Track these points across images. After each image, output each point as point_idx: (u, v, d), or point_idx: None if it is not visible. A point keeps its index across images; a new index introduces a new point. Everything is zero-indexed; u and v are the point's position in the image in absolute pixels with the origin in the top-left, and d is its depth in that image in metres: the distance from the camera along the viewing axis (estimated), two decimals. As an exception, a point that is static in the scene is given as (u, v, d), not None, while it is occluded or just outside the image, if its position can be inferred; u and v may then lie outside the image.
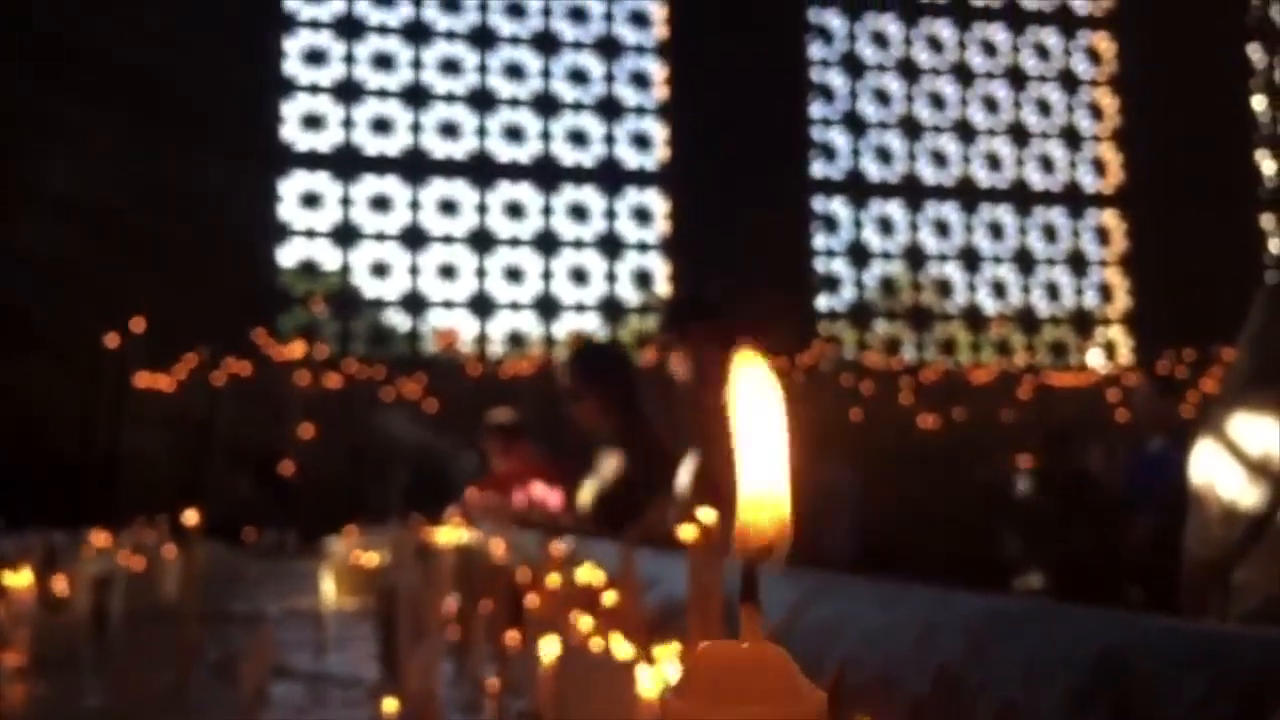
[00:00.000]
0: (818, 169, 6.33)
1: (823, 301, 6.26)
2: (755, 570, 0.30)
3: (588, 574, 1.33)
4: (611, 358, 2.94)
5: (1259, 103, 7.07)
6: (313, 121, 5.74)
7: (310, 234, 5.69)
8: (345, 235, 5.73)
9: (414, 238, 5.79)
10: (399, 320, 5.87)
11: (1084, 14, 6.92)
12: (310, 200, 5.70)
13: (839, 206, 6.35)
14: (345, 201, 5.74)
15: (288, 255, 5.68)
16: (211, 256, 5.21)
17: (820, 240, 6.28)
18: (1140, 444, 4.19)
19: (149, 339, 4.77)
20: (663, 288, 6.08)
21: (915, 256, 6.46)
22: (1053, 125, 6.78)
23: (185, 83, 5.35)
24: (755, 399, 0.30)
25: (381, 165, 5.81)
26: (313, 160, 5.72)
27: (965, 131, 6.61)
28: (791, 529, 0.31)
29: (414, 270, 5.78)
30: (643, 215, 6.10)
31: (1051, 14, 6.86)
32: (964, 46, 6.68)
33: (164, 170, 5.24)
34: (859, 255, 6.34)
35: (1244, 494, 1.40)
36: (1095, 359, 6.67)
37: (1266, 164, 7.03)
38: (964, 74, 6.66)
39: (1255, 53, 7.10)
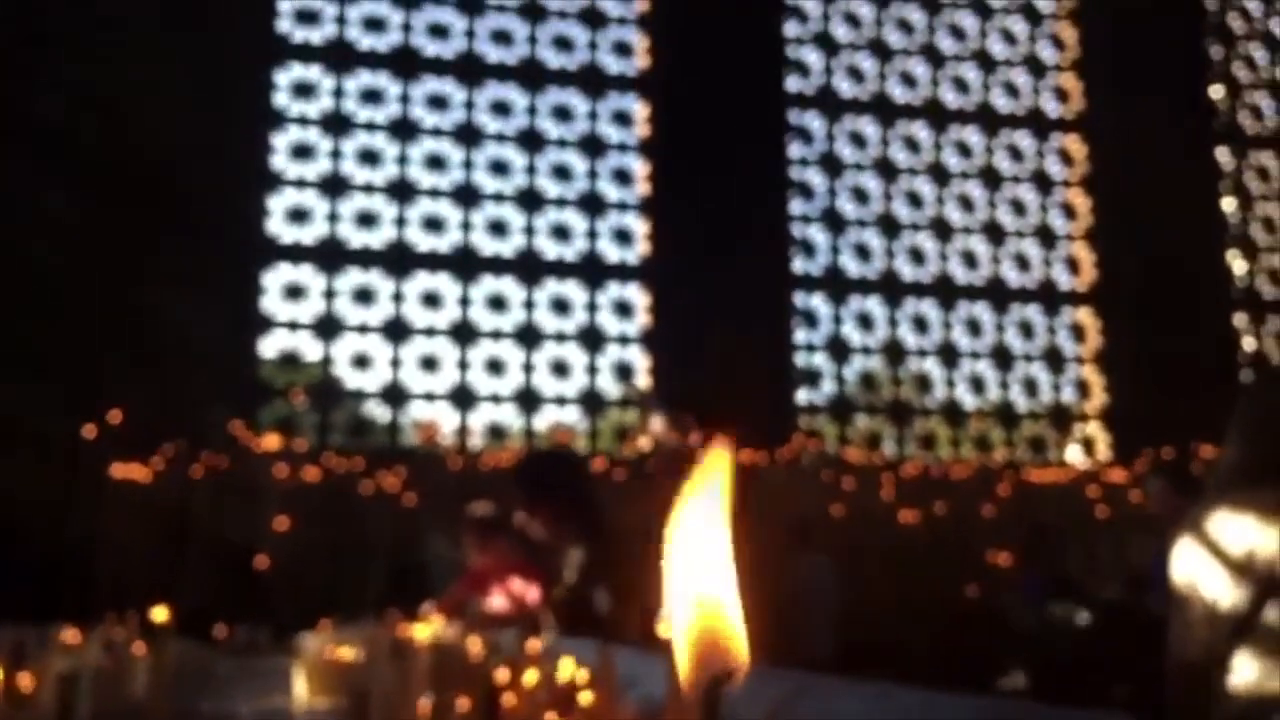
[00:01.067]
0: (798, 265, 6.40)
1: (803, 396, 6.29)
2: (717, 694, 0.29)
3: (566, 672, 1.32)
4: (557, 466, 2.89)
5: (1228, 204, 7.22)
6: (298, 215, 5.80)
7: (293, 326, 5.70)
8: (327, 327, 5.74)
9: (396, 330, 5.81)
10: (379, 412, 5.86)
11: (1055, 117, 7.10)
12: (294, 292, 5.72)
13: (819, 302, 6.42)
14: (329, 294, 5.77)
15: (269, 347, 5.69)
16: (193, 348, 5.21)
17: (801, 335, 6.33)
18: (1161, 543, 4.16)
19: (127, 430, 4.73)
20: (643, 381, 6.10)
21: (895, 352, 6.52)
22: (1027, 224, 6.90)
23: (171, 173, 5.39)
24: (703, 515, 0.30)
25: (366, 258, 5.85)
26: (297, 253, 5.76)
27: (942, 230, 6.72)
28: (750, 643, 0.30)
29: (395, 362, 5.79)
30: (624, 309, 6.15)
31: (1024, 117, 7.03)
32: (939, 147, 6.83)
33: (145, 259, 5.25)
34: (839, 350, 6.38)
35: (1226, 594, 1.39)
36: (1074, 455, 6.69)
37: (1237, 264, 7.16)
38: (940, 174, 6.80)
39: (1224, 155, 7.27)
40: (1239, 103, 7.41)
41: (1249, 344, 7.08)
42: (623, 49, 6.44)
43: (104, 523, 4.76)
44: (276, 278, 5.71)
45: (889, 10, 6.89)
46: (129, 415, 4.88)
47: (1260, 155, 7.42)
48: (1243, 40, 7.50)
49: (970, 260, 6.75)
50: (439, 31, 6.18)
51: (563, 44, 6.35)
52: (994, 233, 6.81)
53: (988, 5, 7.09)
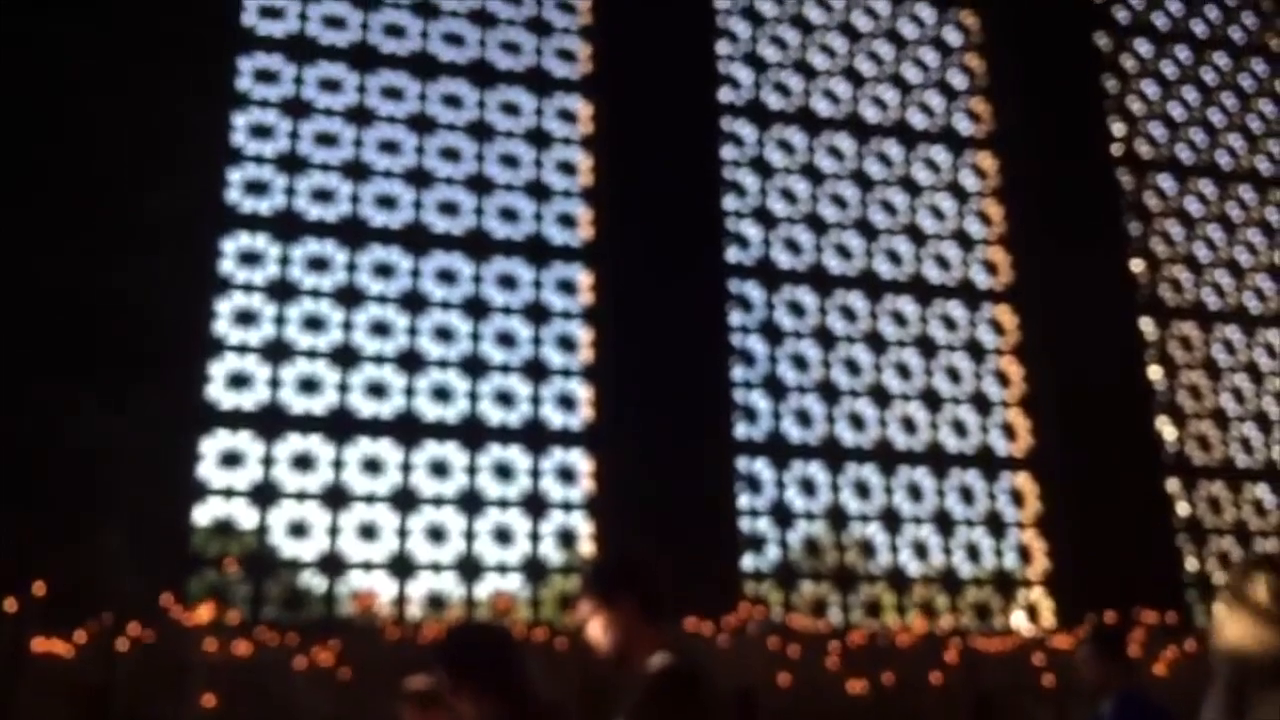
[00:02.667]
0: (741, 430, 6.45)
1: (748, 562, 6.24)
2: None
3: None
4: (482, 642, 2.74)
5: (1155, 372, 7.45)
6: (239, 380, 5.75)
7: (228, 493, 5.59)
8: (264, 494, 5.63)
9: (335, 497, 5.71)
10: (315, 582, 5.70)
11: (985, 288, 7.34)
12: (230, 459, 5.63)
13: (762, 467, 6.45)
14: (267, 460, 5.68)
15: (202, 514, 5.55)
16: (125, 517, 5.07)
17: (745, 500, 6.32)
18: (1093, 710, 4.13)
19: (50, 603, 4.55)
20: (587, 548, 6.03)
21: (838, 517, 6.53)
22: (963, 391, 7.04)
23: (107, 334, 5.36)
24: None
25: (306, 424, 5.79)
26: (237, 419, 5.70)
27: (881, 396, 6.84)
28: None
29: (333, 530, 5.67)
30: (567, 475, 6.12)
31: (955, 288, 7.25)
32: (875, 316, 7.01)
33: (76, 426, 5.16)
34: (783, 516, 6.38)
35: None
36: (1019, 621, 6.67)
37: (1167, 430, 7.34)
38: (877, 342, 6.95)
39: (1148, 326, 7.54)
40: (1159, 276, 7.73)
41: (1182, 509, 7.20)
42: (567, 220, 6.60)
43: (23, 700, 4.52)
44: (214, 444, 5.63)
45: (823, 187, 7.17)
46: (52, 587, 4.71)
47: (1182, 326, 7.70)
48: (1159, 217, 7.88)
49: (909, 426, 6.85)
50: (386, 202, 6.30)
51: (508, 214, 6.50)
52: (931, 399, 6.94)
53: (916, 183, 7.40)
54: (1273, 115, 8.48)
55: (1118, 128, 7.96)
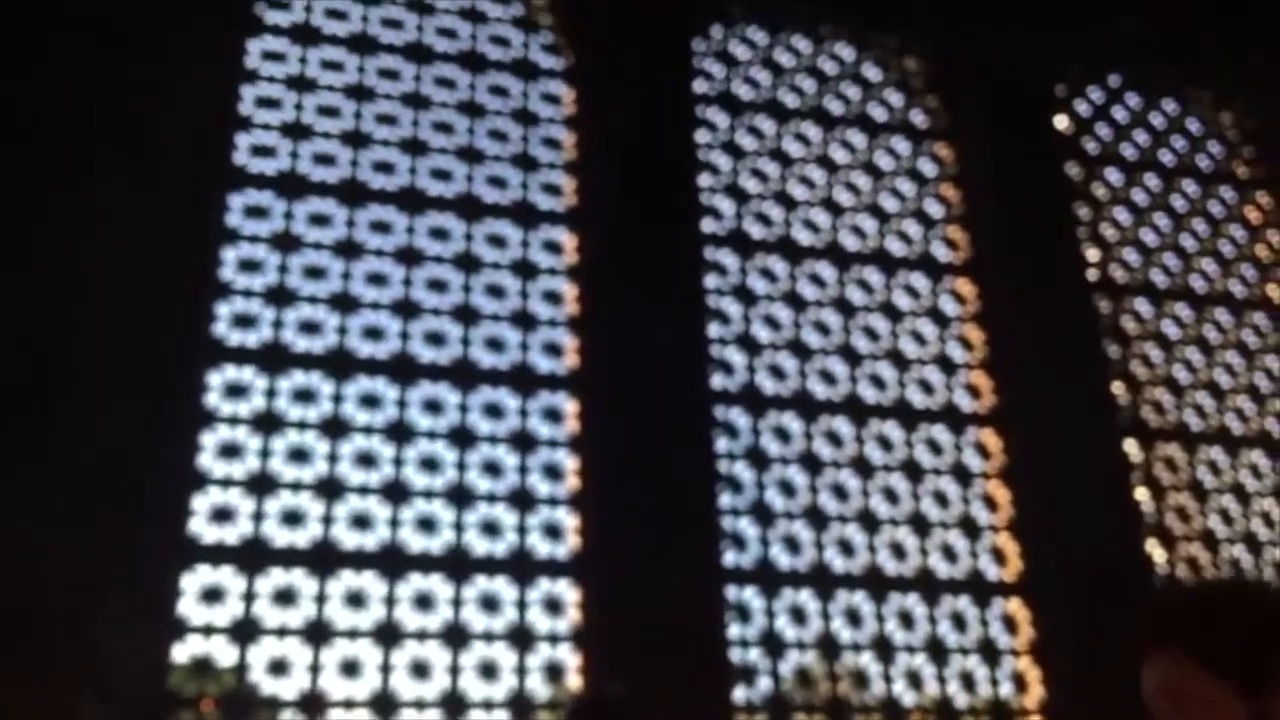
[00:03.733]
0: (729, 558, 6.39)
1: (740, 694, 6.11)
2: None
3: None
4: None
5: (1142, 494, 7.45)
6: (222, 515, 5.69)
7: (208, 630, 5.47)
8: (245, 631, 5.52)
9: (317, 633, 5.60)
10: (295, 721, 5.55)
11: (969, 411, 7.38)
12: (211, 595, 5.53)
13: (751, 595, 6.37)
14: (248, 596, 5.58)
15: (181, 652, 5.43)
16: (99, 656, 4.95)
17: (734, 630, 6.22)
18: None
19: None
20: (574, 681, 5.90)
21: (830, 647, 6.42)
22: (951, 515, 7.01)
23: (86, 470, 5.33)
24: None
25: (289, 558, 5.72)
26: (218, 554, 5.62)
27: (869, 522, 6.80)
28: None
29: (315, 667, 5.54)
30: (554, 606, 6.02)
31: (939, 412, 7.29)
32: (861, 441, 7.02)
33: (54, 559, 5.08)
34: (773, 646, 6.27)
35: None
36: (1018, 752, 6.51)
37: (1157, 553, 7.30)
38: (863, 467, 6.95)
39: (1132, 448, 7.57)
40: (1140, 398, 7.79)
41: (1178, 633, 7.10)
42: (553, 348, 6.65)
43: None
44: (194, 580, 5.53)
45: (806, 313, 7.26)
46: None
47: (1166, 447, 7.73)
48: (1137, 340, 7.98)
49: (899, 552, 6.79)
50: (373, 333, 6.34)
51: (494, 344, 6.55)
52: (920, 524, 6.91)
53: (897, 309, 7.50)
54: (1243, 240, 8.68)
55: (1092, 253, 8.13)
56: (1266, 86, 8.88)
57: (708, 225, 7.26)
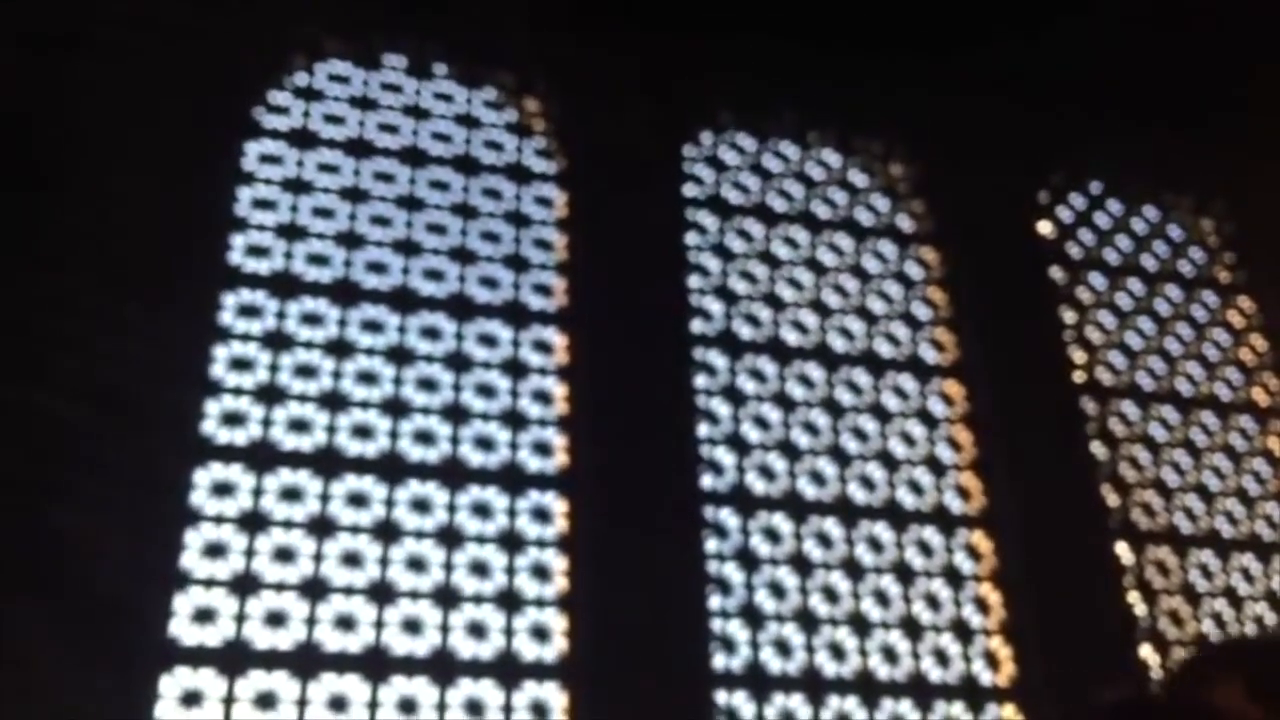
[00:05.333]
0: (719, 661, 6.30)
1: (729, 804, 5.96)
2: None
3: None
4: None
5: (1134, 597, 7.39)
6: (204, 615, 5.61)
7: (186, 734, 5.35)
8: (224, 735, 5.40)
9: (298, 738, 5.48)
10: (274, 832, 5.39)
11: (959, 513, 7.36)
12: (190, 699, 5.42)
13: (741, 701, 6.26)
14: (228, 700, 5.47)
15: (159, 758, 5.30)
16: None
17: (724, 737, 6.11)
18: None
19: None
20: (561, 791, 5.77)
21: (821, 754, 6.29)
22: (943, 619, 6.94)
23: (66, 572, 5.27)
24: None
25: (271, 661, 5.62)
26: (199, 657, 5.52)
27: (860, 625, 6.72)
28: None
29: (295, 774, 5.41)
30: (540, 711, 5.91)
31: (929, 513, 7.27)
32: (851, 543, 6.98)
33: (33, 664, 4.99)
34: (764, 753, 6.15)
35: None
36: None
37: (1151, 658, 7.22)
38: (854, 569, 6.90)
39: (1124, 550, 7.53)
40: (1130, 500, 7.79)
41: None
42: (542, 448, 6.65)
43: None
44: (174, 683, 5.43)
45: (795, 414, 7.28)
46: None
47: (1158, 551, 7.70)
48: (1125, 443, 8.01)
49: (890, 656, 6.70)
50: (362, 431, 6.33)
51: (484, 443, 6.54)
52: (911, 627, 6.83)
53: (886, 410, 7.53)
54: (1227, 343, 8.76)
55: (1079, 356, 8.20)
56: (1244, 192, 9.06)
57: (697, 326, 7.33)
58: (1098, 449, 7.86)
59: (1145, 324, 8.61)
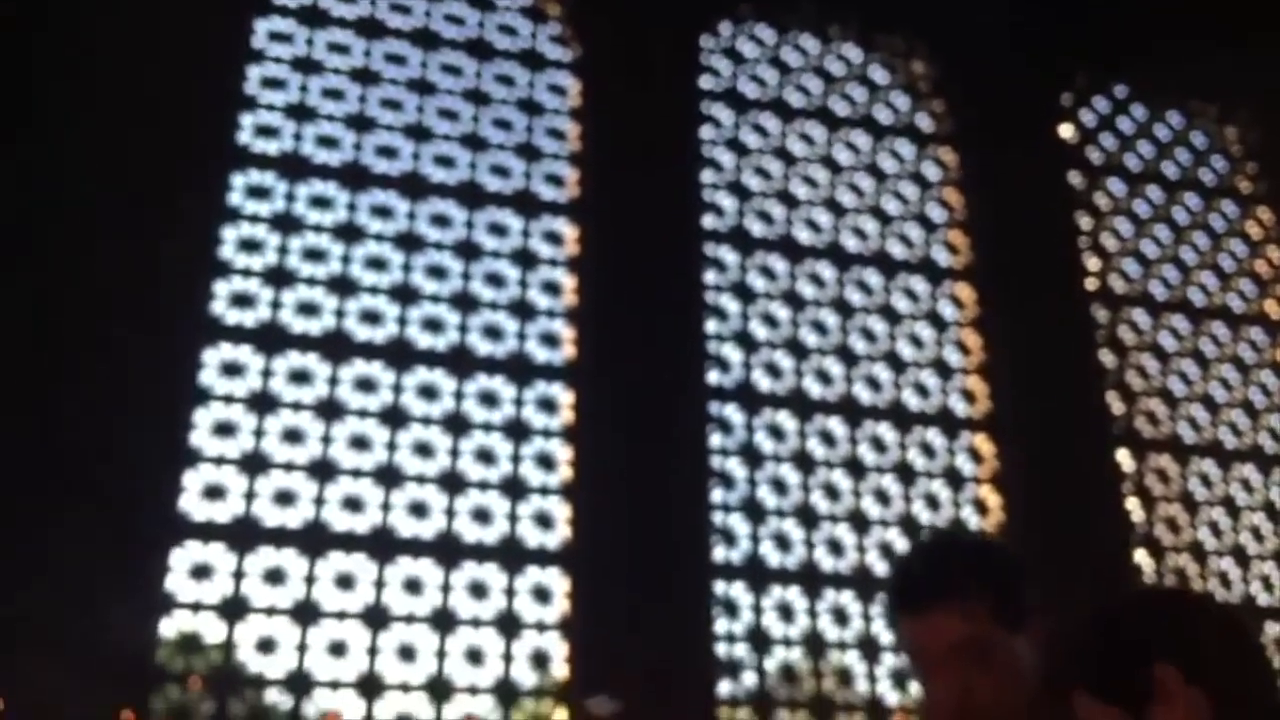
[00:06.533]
0: (719, 554, 6.40)
1: (724, 688, 6.13)
2: None
3: None
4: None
5: (1133, 504, 7.46)
6: (214, 492, 5.70)
7: (196, 607, 5.49)
8: (233, 609, 5.53)
9: (306, 613, 5.62)
10: (281, 700, 5.56)
11: (964, 416, 7.39)
12: (201, 572, 5.55)
13: (740, 592, 6.38)
14: (237, 574, 5.60)
15: (169, 628, 5.45)
16: (85, 630, 4.96)
17: (721, 625, 6.24)
18: None
19: (8, 716, 4.42)
20: (560, 670, 5.92)
21: (816, 644, 6.43)
22: (941, 519, 7.03)
23: (78, 446, 5.34)
24: None
25: (280, 538, 5.73)
26: (209, 531, 5.63)
27: (860, 522, 6.81)
28: None
29: (302, 647, 5.55)
30: (542, 595, 6.04)
31: (933, 416, 7.30)
32: (855, 442, 7.03)
33: (44, 538, 5.09)
34: (760, 641, 6.29)
35: None
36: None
37: (1145, 563, 7.32)
38: (856, 468, 6.96)
39: (1125, 458, 7.58)
40: (1134, 409, 7.81)
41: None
42: (550, 339, 6.66)
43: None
44: (184, 556, 5.55)
45: (804, 313, 7.27)
46: (10, 704, 4.59)
47: (1159, 459, 7.75)
48: (1134, 351, 7.99)
49: (888, 553, 6.81)
50: (370, 317, 6.35)
51: (491, 332, 6.56)
52: (910, 527, 6.92)
53: (895, 311, 7.51)
54: (1243, 255, 8.69)
55: (1092, 263, 8.14)
56: (1270, 101, 8.88)
57: (709, 221, 7.27)
58: (1106, 357, 7.85)
59: (1162, 232, 8.53)
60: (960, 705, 1.50)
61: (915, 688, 6.50)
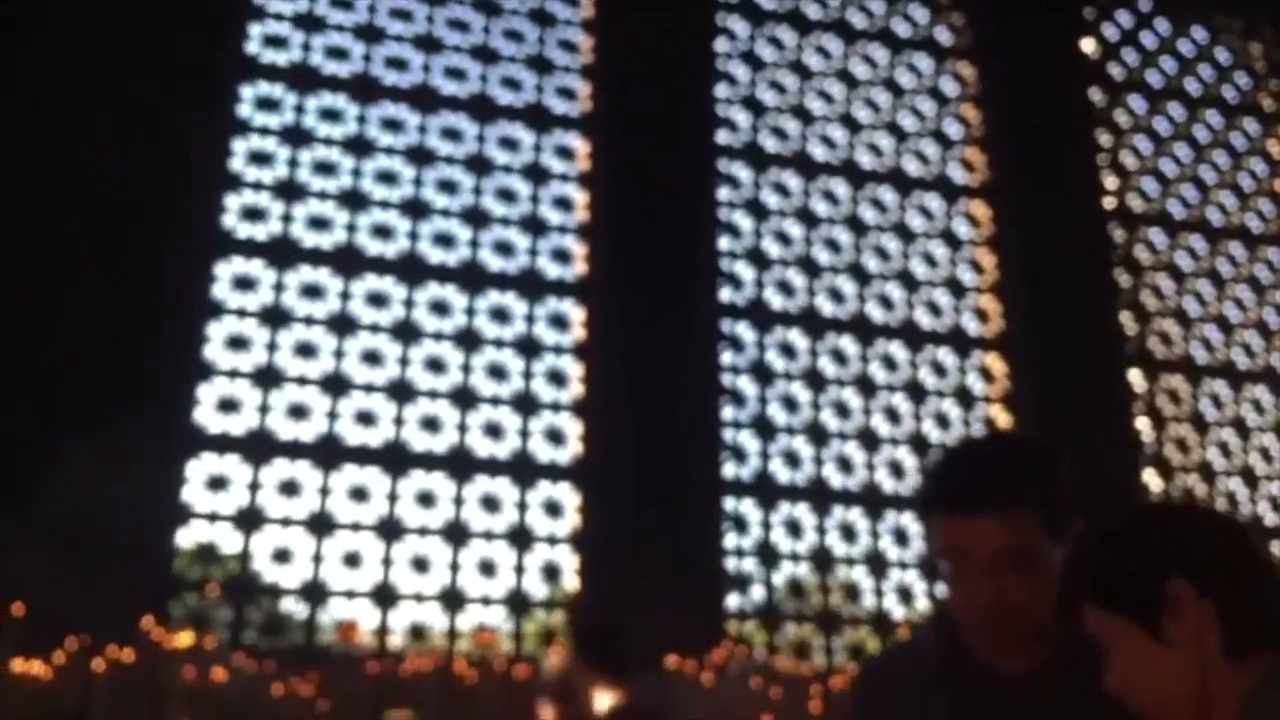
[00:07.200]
0: (729, 470, 6.45)
1: (733, 601, 6.22)
2: None
3: None
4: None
5: (1142, 424, 7.48)
6: (228, 405, 5.75)
7: (213, 518, 5.57)
8: (249, 520, 5.61)
9: (320, 524, 5.70)
10: (297, 609, 5.67)
11: (976, 335, 7.38)
12: (217, 483, 5.61)
13: (749, 508, 6.44)
14: (253, 486, 5.67)
15: (186, 538, 5.53)
16: (108, 538, 5.04)
17: (730, 540, 6.31)
18: None
19: (29, 622, 4.52)
20: (571, 582, 6.01)
21: (823, 560, 6.51)
22: (951, 438, 7.05)
23: (95, 358, 5.37)
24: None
25: (294, 451, 5.78)
26: (224, 444, 5.69)
27: (869, 440, 6.85)
28: None
29: (317, 558, 5.64)
30: (554, 509, 6.11)
31: (946, 335, 7.29)
32: (866, 361, 7.03)
33: (60, 450, 5.14)
34: (768, 557, 6.37)
35: None
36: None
37: (1154, 483, 7.35)
38: (866, 386, 6.97)
39: (1136, 378, 7.58)
40: (1148, 329, 7.78)
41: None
42: (561, 255, 6.64)
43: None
44: (201, 467, 5.61)
45: (817, 230, 7.22)
46: (32, 608, 4.68)
47: (1170, 379, 7.74)
48: (1149, 271, 7.94)
49: (897, 471, 6.85)
50: (381, 231, 6.33)
51: (503, 248, 6.53)
52: (920, 445, 6.95)
53: (909, 229, 7.46)
54: (1263, 174, 8.57)
55: (1110, 181, 8.04)
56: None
57: (723, 137, 7.19)
58: (1121, 276, 7.80)
59: (1182, 150, 8.41)
60: (993, 609, 1.48)
61: (930, 593, 6.59)
